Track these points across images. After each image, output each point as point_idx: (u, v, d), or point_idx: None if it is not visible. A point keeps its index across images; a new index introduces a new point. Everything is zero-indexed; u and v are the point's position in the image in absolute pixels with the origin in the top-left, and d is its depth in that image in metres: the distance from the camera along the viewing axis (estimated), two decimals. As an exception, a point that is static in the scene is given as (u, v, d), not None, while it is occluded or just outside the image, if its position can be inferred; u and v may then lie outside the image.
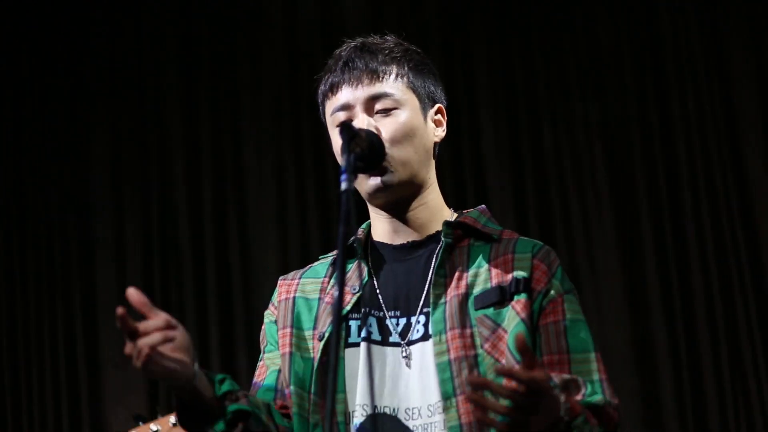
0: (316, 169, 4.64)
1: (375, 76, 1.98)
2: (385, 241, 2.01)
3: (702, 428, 4.24)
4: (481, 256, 1.97)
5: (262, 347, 2.07)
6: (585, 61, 4.60)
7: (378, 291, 1.96)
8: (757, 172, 4.37)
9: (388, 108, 1.97)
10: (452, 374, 1.85)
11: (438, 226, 2.01)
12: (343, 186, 1.68)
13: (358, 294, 1.96)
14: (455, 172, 4.58)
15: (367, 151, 1.86)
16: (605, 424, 1.84)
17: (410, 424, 1.86)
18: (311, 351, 1.94)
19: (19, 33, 4.87)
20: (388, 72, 1.99)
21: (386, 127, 1.96)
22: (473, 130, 4.63)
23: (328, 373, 1.50)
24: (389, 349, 1.90)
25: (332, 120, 2.01)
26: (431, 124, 2.06)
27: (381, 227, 2.02)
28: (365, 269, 1.98)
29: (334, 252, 2.08)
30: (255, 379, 2.04)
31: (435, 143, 2.06)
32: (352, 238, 2.04)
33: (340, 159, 1.94)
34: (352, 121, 1.96)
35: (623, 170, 4.50)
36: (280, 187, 4.71)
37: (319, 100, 2.07)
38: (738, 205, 4.35)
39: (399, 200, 1.99)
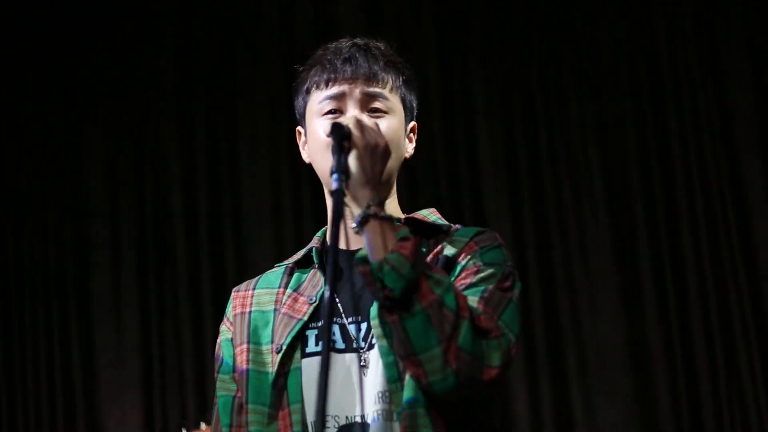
0: (311, 171, 4.63)
1: (374, 77, 1.98)
2: (342, 247, 1.89)
3: (697, 430, 4.25)
4: (425, 252, 1.94)
5: (216, 366, 2.03)
6: (581, 64, 4.61)
7: (336, 298, 1.93)
8: (752, 175, 4.37)
9: (382, 110, 1.97)
10: (396, 357, 1.82)
11: None
12: (334, 186, 1.67)
13: (315, 304, 1.94)
14: (450, 175, 4.58)
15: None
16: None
17: (369, 421, 1.84)
18: (269, 365, 1.92)
19: (16, 35, 4.87)
20: (386, 78, 2.00)
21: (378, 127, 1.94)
22: (469, 132, 4.64)
23: (318, 382, 1.48)
24: (353, 356, 1.87)
25: (318, 109, 2.00)
26: (406, 140, 2.05)
27: (337, 232, 1.95)
28: (321, 278, 1.96)
29: (292, 259, 2.07)
30: (215, 408, 2.02)
31: (405, 158, 2.04)
32: (308, 247, 2.03)
33: (319, 152, 1.96)
34: (340, 112, 1.96)
35: (618, 173, 4.51)
36: (275, 189, 4.71)
37: (303, 88, 2.06)
38: (733, 207, 4.36)
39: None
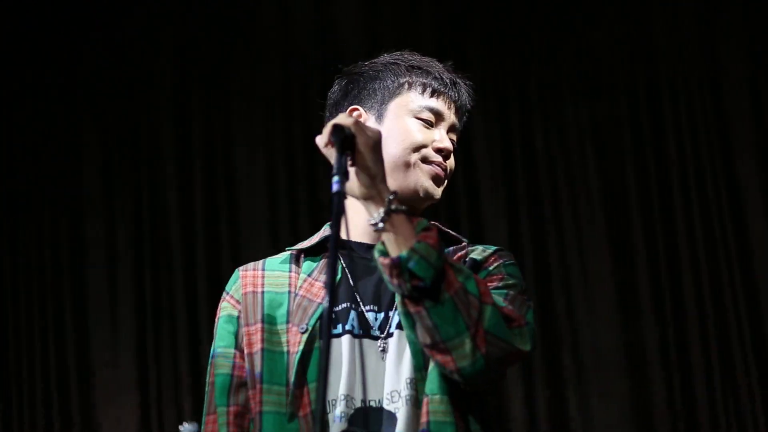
0: (308, 171, 4.64)
1: (463, 112, 2.19)
2: (363, 240, 2.04)
3: (693, 431, 4.25)
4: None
5: (214, 342, 2.06)
6: (577, 65, 4.61)
7: (353, 287, 1.99)
8: (748, 176, 4.38)
9: (454, 140, 2.14)
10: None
11: None
12: (335, 188, 1.69)
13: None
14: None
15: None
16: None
17: (392, 407, 1.90)
18: (285, 345, 1.95)
19: (13, 35, 4.86)
20: (465, 118, 2.21)
21: (451, 158, 2.11)
22: (464, 134, 4.62)
23: (319, 363, 1.50)
24: (370, 342, 1.94)
25: (415, 110, 2.09)
26: None
27: (356, 224, 2.01)
28: (338, 266, 2.00)
29: (299, 246, 2.11)
30: (210, 388, 2.05)
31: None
32: (321, 236, 2.09)
33: (396, 145, 2.03)
34: (431, 126, 2.09)
35: (615, 174, 4.51)
36: (271, 190, 4.71)
37: (402, 81, 2.13)
38: (729, 207, 4.37)
39: (417, 208, 2.07)
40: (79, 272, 4.72)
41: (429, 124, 2.09)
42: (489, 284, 1.92)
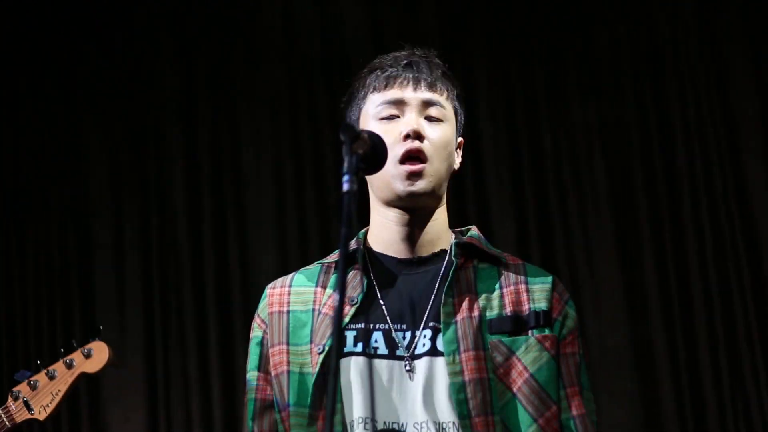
0: (315, 171, 4.64)
1: (434, 85, 2.03)
2: (389, 253, 2.00)
3: (701, 431, 4.24)
4: (490, 280, 2.00)
5: (249, 366, 2.05)
6: (584, 66, 4.60)
7: (382, 303, 1.95)
8: (756, 176, 4.37)
9: (438, 118, 2.00)
10: (467, 395, 1.86)
11: (443, 245, 2.04)
12: (345, 187, 1.66)
13: (356, 305, 1.95)
14: (455, 178, 4.57)
15: (370, 152, 1.83)
16: None
17: None
18: (309, 366, 1.93)
19: (17, 37, 4.86)
20: (444, 88, 2.04)
21: (434, 134, 1.99)
22: (472, 135, 4.63)
23: (328, 382, 1.48)
24: (395, 363, 1.90)
25: (376, 112, 2.01)
26: (455, 151, 2.10)
27: (388, 237, 2.00)
28: (365, 280, 1.97)
29: (329, 258, 2.08)
30: (245, 400, 2.04)
31: (454, 170, 2.09)
32: (353, 247, 2.04)
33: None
34: (398, 117, 1.98)
35: (622, 175, 4.50)
36: (279, 190, 4.71)
37: (360, 94, 2.06)
38: (737, 208, 4.35)
39: (421, 208, 2.01)
40: (87, 273, 4.72)
41: (393, 117, 2.00)
42: (569, 352, 1.96)
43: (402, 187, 1.95)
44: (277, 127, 4.75)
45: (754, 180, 4.36)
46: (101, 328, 2.68)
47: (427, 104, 2.01)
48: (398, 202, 1.99)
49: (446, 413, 1.86)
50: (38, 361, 2.68)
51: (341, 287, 1.62)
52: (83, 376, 2.71)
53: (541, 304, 1.96)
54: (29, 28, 4.87)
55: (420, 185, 1.96)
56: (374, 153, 1.86)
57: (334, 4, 4.80)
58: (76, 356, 2.71)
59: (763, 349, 4.23)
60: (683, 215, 4.40)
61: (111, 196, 4.79)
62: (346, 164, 1.71)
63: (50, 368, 2.72)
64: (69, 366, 2.69)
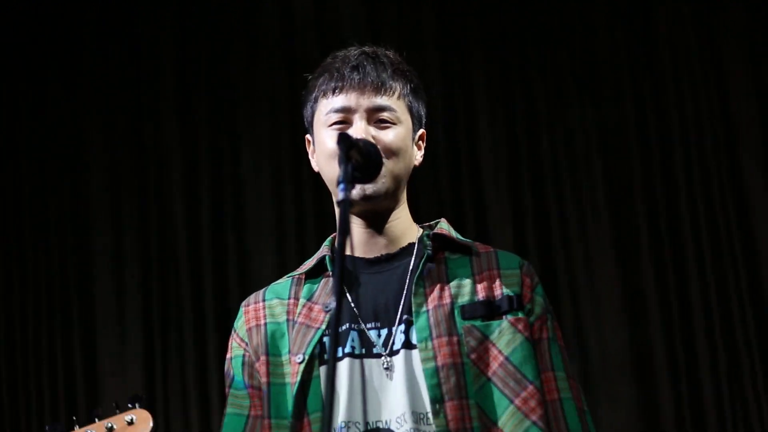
0: (314, 178, 4.62)
1: (382, 87, 2.00)
2: (357, 255, 2.01)
3: (700, 436, 4.25)
4: (461, 269, 2.01)
5: (227, 381, 2.05)
6: (582, 69, 4.60)
7: (353, 305, 1.95)
8: (754, 180, 4.37)
9: (388, 121, 1.99)
10: (440, 380, 1.87)
11: (410, 239, 2.05)
12: (341, 196, 1.68)
13: (330, 312, 1.95)
14: (452, 181, 4.58)
15: (364, 161, 1.85)
16: None
17: (402, 431, 1.87)
18: (289, 376, 1.94)
19: (15, 40, 4.86)
20: (394, 87, 2.02)
21: (383, 139, 1.97)
22: (471, 138, 4.63)
23: (325, 389, 1.48)
24: (373, 361, 1.91)
25: (325, 120, 2.01)
26: (414, 147, 2.08)
27: (355, 239, 2.01)
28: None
29: (299, 270, 2.09)
30: (224, 413, 2.04)
31: (414, 166, 2.08)
32: (318, 256, 2.06)
33: (326, 162, 1.98)
34: (347, 124, 1.98)
35: (621, 178, 4.50)
36: (278, 197, 4.70)
37: (312, 97, 2.06)
38: (735, 212, 4.35)
39: (379, 211, 2.01)
40: (86, 282, 4.72)
41: (342, 123, 1.99)
42: (541, 335, 1.97)
43: (355, 192, 1.94)
44: (277, 134, 4.75)
45: (752, 182, 4.36)
46: (143, 396, 2.60)
47: (376, 110, 1.99)
48: (355, 208, 1.99)
49: (425, 402, 1.88)
50: (74, 417, 2.58)
51: (338, 294, 1.60)
52: None
53: (513, 289, 1.98)
54: (28, 32, 4.86)
55: (370, 189, 1.96)
56: (368, 161, 1.87)
57: (333, 5, 4.80)
58: (117, 421, 2.59)
59: (762, 354, 4.22)
60: (682, 220, 4.40)
61: (110, 203, 4.78)
62: (341, 173, 1.71)
63: (88, 428, 2.61)
64: (109, 430, 2.59)
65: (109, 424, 2.49)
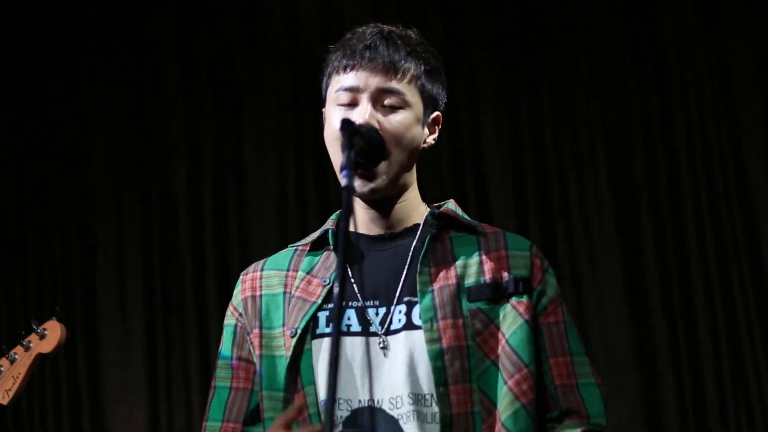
0: (317, 168, 4.64)
1: (393, 70, 1.96)
2: (360, 231, 1.98)
3: (703, 428, 4.24)
4: (467, 248, 1.97)
5: (221, 352, 2.04)
6: (587, 64, 4.60)
7: (353, 281, 1.93)
8: (758, 174, 4.37)
9: (396, 105, 1.95)
10: (444, 363, 1.85)
11: (416, 220, 2.01)
12: (344, 182, 1.66)
13: (328, 286, 1.94)
14: (456, 174, 4.58)
15: (367, 148, 1.83)
16: None
17: (395, 413, 1.85)
18: (282, 349, 1.92)
19: (20, 35, 4.87)
20: (405, 70, 1.97)
21: (389, 124, 1.94)
22: (474, 132, 4.63)
23: (329, 365, 1.47)
24: (369, 340, 1.88)
25: (335, 97, 1.97)
26: (426, 130, 2.05)
27: (358, 217, 1.99)
28: (335, 260, 1.96)
29: (302, 242, 2.07)
30: (212, 385, 2.04)
31: (423, 148, 2.04)
32: (323, 228, 2.03)
33: (331, 143, 1.95)
34: (354, 104, 1.94)
35: (625, 174, 4.50)
36: (281, 188, 4.71)
37: (327, 71, 2.03)
38: (739, 206, 4.35)
39: (383, 198, 1.98)
40: (89, 272, 4.72)
41: (350, 104, 1.95)
42: (554, 319, 1.96)
43: (357, 185, 1.90)
44: (280, 125, 4.75)
45: (756, 177, 4.36)
46: (57, 308, 2.65)
47: (384, 92, 1.95)
48: (357, 196, 1.97)
49: (427, 385, 1.85)
50: (2, 346, 2.66)
51: (341, 280, 1.58)
52: (40, 357, 2.68)
53: (521, 271, 1.95)
54: (32, 26, 4.87)
55: (370, 186, 1.93)
56: (371, 148, 1.85)
57: (337, 3, 4.80)
58: (33, 338, 2.69)
59: (765, 347, 4.23)
60: (685, 214, 4.40)
61: (113, 194, 4.79)
62: (344, 160, 1.70)
63: (11, 352, 2.69)
64: (27, 348, 2.67)
65: (26, 342, 2.65)
